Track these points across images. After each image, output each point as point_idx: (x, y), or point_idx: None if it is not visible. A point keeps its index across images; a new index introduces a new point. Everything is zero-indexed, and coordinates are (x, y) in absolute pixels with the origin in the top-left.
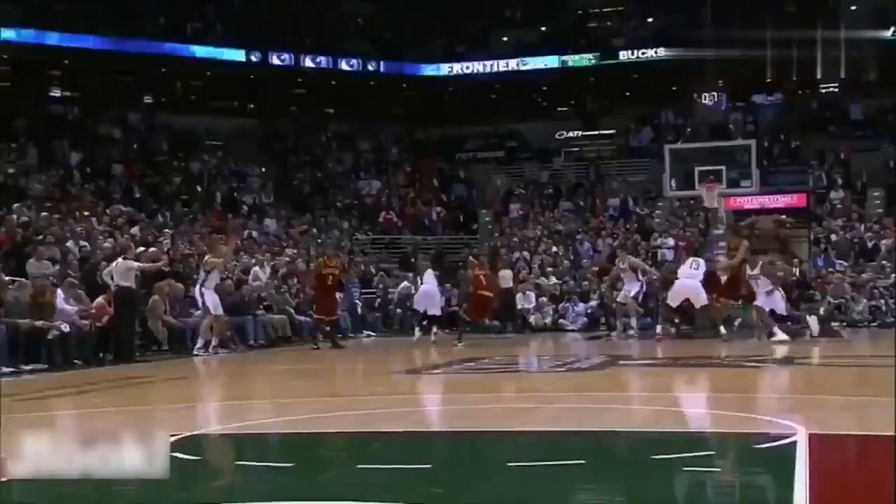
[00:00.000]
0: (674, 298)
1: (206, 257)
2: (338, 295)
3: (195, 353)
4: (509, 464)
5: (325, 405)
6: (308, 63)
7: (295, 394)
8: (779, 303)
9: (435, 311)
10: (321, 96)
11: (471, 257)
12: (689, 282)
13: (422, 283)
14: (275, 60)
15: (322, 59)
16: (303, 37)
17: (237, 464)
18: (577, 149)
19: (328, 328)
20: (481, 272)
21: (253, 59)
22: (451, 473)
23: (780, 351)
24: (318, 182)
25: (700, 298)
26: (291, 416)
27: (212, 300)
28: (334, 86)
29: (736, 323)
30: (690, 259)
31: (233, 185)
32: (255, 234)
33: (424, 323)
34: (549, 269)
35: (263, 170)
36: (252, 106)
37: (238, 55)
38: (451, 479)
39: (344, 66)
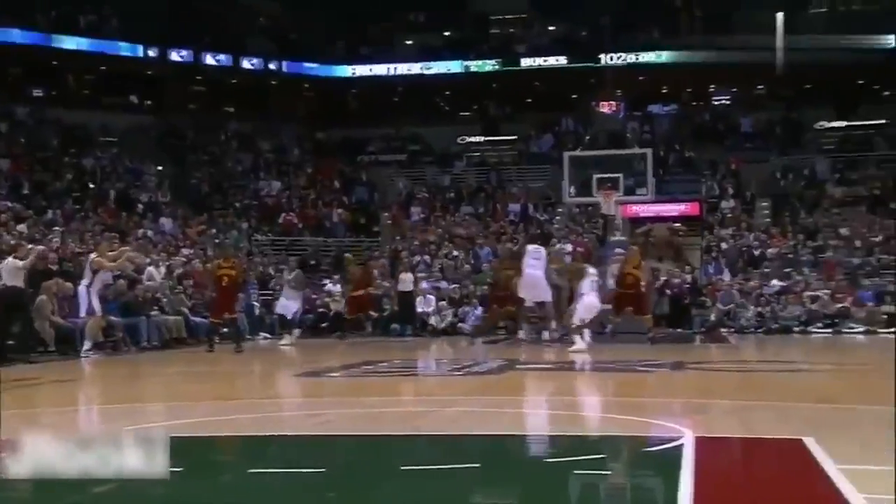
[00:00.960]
0: (524, 291)
1: (92, 256)
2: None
3: (83, 354)
4: (404, 467)
5: (218, 408)
6: (208, 60)
7: (188, 397)
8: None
9: (293, 314)
10: (221, 94)
11: (346, 255)
12: (534, 273)
13: (282, 291)
14: (173, 56)
15: (223, 57)
16: (203, 33)
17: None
18: (478, 154)
19: (225, 330)
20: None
21: (150, 54)
22: (346, 477)
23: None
24: (217, 181)
25: (543, 294)
26: (183, 419)
27: (96, 301)
28: (235, 84)
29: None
30: (532, 247)
31: (128, 182)
32: (150, 233)
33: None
34: (450, 272)
35: (160, 168)
36: (149, 102)
37: (135, 50)
38: (345, 483)
39: (245, 64)
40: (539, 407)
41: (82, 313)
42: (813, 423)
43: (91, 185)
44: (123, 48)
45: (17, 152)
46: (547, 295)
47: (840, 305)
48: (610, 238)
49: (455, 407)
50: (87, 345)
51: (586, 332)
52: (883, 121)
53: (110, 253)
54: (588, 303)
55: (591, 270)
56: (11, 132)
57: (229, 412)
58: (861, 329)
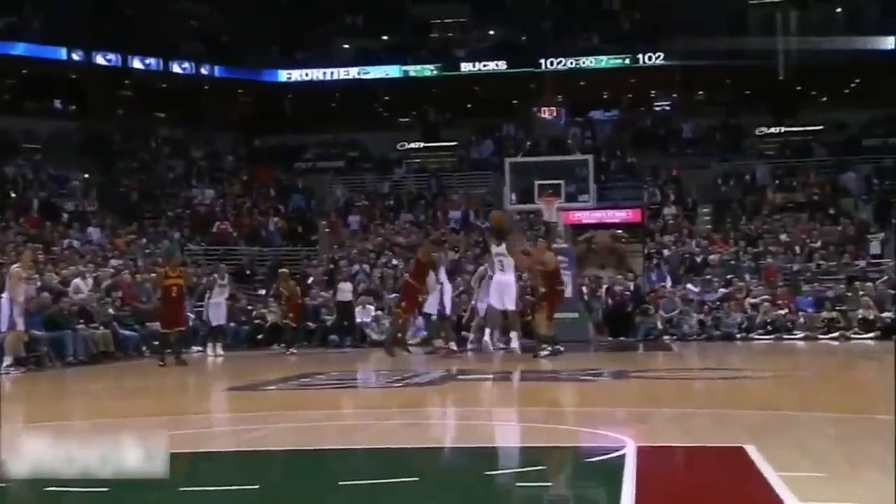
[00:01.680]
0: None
1: (14, 267)
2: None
3: (3, 371)
4: (342, 483)
5: (147, 425)
6: (137, 64)
7: (115, 413)
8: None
9: (219, 322)
10: (151, 99)
11: (282, 270)
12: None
13: (209, 297)
14: (99, 60)
15: (152, 61)
16: (131, 36)
17: (45, 490)
18: (418, 160)
19: (156, 343)
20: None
21: (75, 57)
22: (282, 494)
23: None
24: (147, 189)
25: (508, 301)
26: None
27: (18, 314)
28: (165, 89)
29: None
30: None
31: (52, 191)
32: (76, 243)
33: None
34: (390, 282)
35: (86, 175)
36: (74, 108)
37: (58, 53)
38: (280, 500)
39: (176, 68)
40: (479, 418)
41: (3, 327)
42: (754, 431)
43: (13, 194)
44: (46, 51)
45: None
46: (512, 302)
47: (781, 312)
48: (552, 245)
49: (394, 419)
50: (6, 360)
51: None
52: (821, 126)
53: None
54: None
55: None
56: None
57: (154, 427)
58: (801, 335)
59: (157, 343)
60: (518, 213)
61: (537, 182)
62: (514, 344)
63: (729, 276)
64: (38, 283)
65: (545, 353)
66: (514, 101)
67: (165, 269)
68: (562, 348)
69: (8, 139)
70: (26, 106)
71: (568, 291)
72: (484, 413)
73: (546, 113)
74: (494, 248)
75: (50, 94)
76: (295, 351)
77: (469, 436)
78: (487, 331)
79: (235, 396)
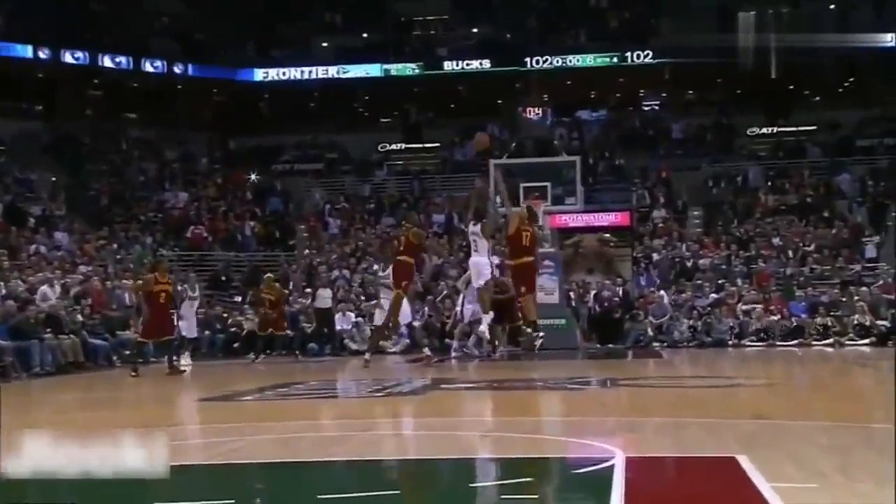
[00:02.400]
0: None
1: None
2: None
3: None
4: (321, 496)
5: (117, 437)
6: (107, 62)
7: (83, 425)
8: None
9: (190, 334)
10: (122, 99)
11: (268, 275)
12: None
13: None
14: (68, 58)
15: (122, 59)
16: (101, 33)
17: None
18: (399, 162)
19: (163, 349)
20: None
21: (42, 55)
22: None
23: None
24: (118, 193)
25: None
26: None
27: None
28: (136, 88)
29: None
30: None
31: (17, 194)
32: (43, 249)
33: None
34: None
35: (54, 178)
36: (41, 108)
37: (24, 51)
38: None
39: (148, 67)
40: (464, 428)
41: None
42: (746, 440)
43: None
44: (11, 49)
45: None
46: (484, 280)
47: (773, 318)
48: (538, 250)
49: (375, 430)
50: None
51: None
52: (814, 126)
53: None
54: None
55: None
56: None
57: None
58: (794, 342)
59: (129, 353)
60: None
61: (523, 184)
62: (483, 327)
63: (720, 281)
64: (3, 291)
65: (540, 338)
66: (499, 101)
67: (154, 274)
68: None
69: None
70: None
71: (555, 297)
72: (468, 423)
73: (532, 113)
74: (470, 227)
75: (15, 93)
76: (259, 360)
77: (452, 447)
78: (473, 336)
79: (209, 407)
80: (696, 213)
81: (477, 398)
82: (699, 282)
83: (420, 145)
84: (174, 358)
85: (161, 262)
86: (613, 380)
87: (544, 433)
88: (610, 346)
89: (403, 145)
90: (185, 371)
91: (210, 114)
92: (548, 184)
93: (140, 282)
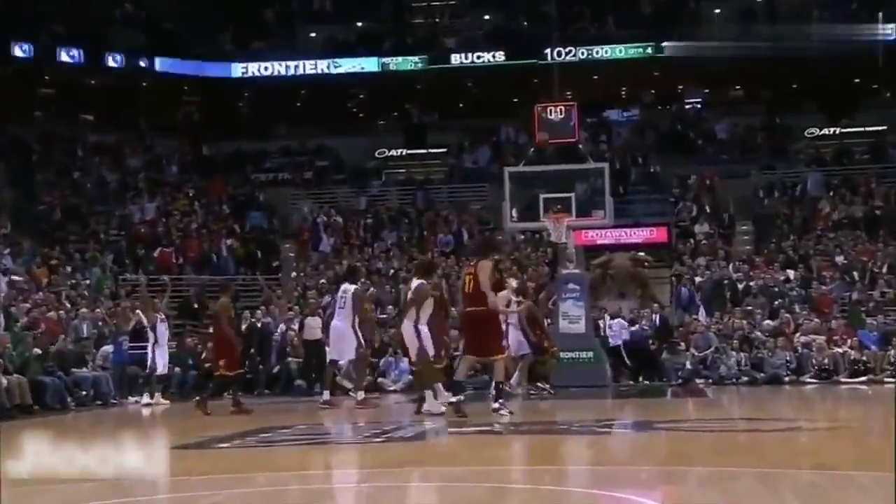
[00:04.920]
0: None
1: None
2: None
3: None
4: None
5: (74, 492)
6: (60, 56)
7: (39, 478)
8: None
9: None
10: (77, 99)
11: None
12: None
13: (156, 341)
14: (14, 52)
15: (77, 52)
16: (51, 22)
17: None
18: (401, 170)
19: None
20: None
21: None
22: None
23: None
24: (73, 207)
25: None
26: None
27: None
28: (94, 86)
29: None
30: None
31: None
32: None
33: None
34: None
35: (1, 193)
36: None
37: None
38: None
39: (108, 61)
40: (475, 480)
41: None
42: (806, 493)
43: None
44: None
45: None
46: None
47: (838, 350)
48: (561, 271)
49: (373, 482)
50: None
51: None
52: (883, 127)
53: None
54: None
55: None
56: None
57: (86, 496)
58: (863, 379)
59: (209, 390)
60: (521, 233)
61: (543, 195)
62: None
63: (774, 306)
64: None
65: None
66: (515, 100)
67: (225, 299)
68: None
69: None
70: None
71: (581, 326)
72: (480, 473)
73: (552, 113)
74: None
75: None
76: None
77: (463, 501)
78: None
79: (182, 456)
80: (744, 227)
81: (490, 444)
82: (749, 308)
83: (424, 151)
84: (238, 393)
85: (230, 286)
86: (649, 422)
87: (568, 484)
88: (645, 382)
89: (405, 151)
90: (251, 410)
91: (180, 115)
92: (572, 195)
93: (220, 308)
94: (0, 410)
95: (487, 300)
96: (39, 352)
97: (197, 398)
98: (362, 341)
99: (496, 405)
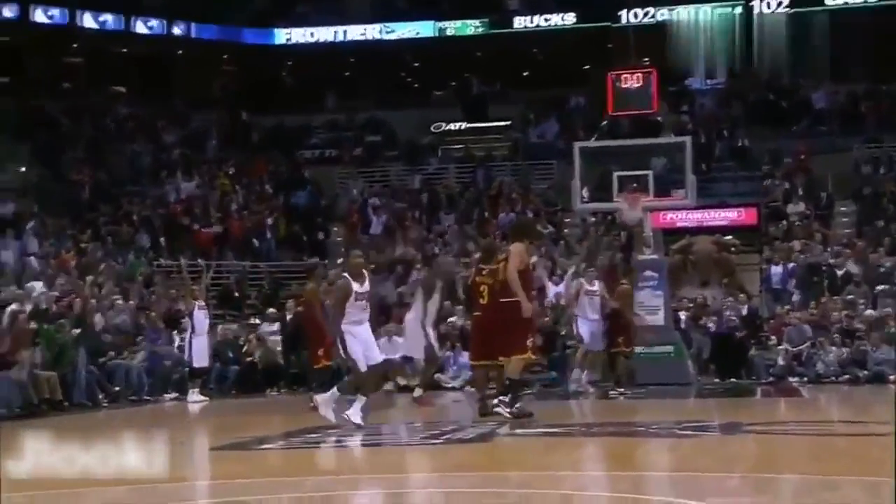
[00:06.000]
0: None
1: None
2: None
3: None
4: None
5: (105, 497)
6: (88, 23)
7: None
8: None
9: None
10: (108, 69)
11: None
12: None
13: (193, 330)
14: (39, 17)
15: (109, 18)
16: None
17: None
18: (459, 146)
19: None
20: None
21: (7, 14)
22: None
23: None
24: (104, 186)
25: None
26: None
27: None
28: (127, 55)
29: None
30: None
31: None
32: (9, 257)
33: None
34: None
35: (22, 168)
36: (7, 79)
37: None
38: None
39: (140, 27)
40: (542, 485)
41: None
42: None
43: None
44: None
45: None
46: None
47: None
48: (637, 256)
49: (431, 487)
50: None
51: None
52: None
53: None
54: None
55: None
56: None
57: (119, 500)
58: None
59: (317, 382)
60: (591, 215)
61: (617, 173)
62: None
63: (877, 293)
64: None
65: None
66: (586, 67)
67: (313, 284)
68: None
69: None
70: None
71: (660, 317)
72: (548, 479)
73: (628, 82)
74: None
75: None
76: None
77: None
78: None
79: (221, 458)
80: (844, 207)
81: (558, 446)
82: (850, 297)
83: (484, 124)
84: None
85: (318, 268)
86: (737, 424)
87: (647, 492)
88: (732, 380)
89: (464, 125)
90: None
91: (218, 86)
92: (649, 172)
93: (310, 294)
94: (27, 406)
95: (511, 287)
96: (68, 343)
97: (311, 405)
98: (433, 341)
99: (495, 401)
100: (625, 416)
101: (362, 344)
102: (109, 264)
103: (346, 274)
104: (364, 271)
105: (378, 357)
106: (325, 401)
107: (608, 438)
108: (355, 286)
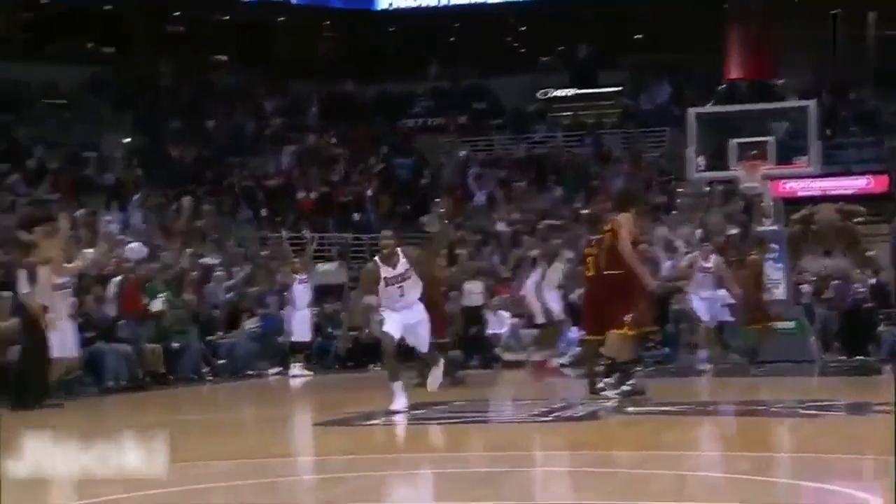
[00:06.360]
0: None
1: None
2: None
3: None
4: None
5: (210, 472)
6: None
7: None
8: None
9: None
10: (209, 38)
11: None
12: None
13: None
14: None
15: None
16: None
17: None
18: (567, 113)
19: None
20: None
21: None
22: None
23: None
24: (205, 156)
25: None
26: (159, 488)
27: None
28: (227, 23)
29: None
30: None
31: (79, 158)
32: (114, 226)
33: None
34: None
35: (127, 139)
36: (110, 50)
37: None
38: None
39: None
40: (659, 465)
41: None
42: None
43: (28, 163)
44: None
45: None
46: None
47: None
48: (757, 228)
49: (540, 467)
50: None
51: None
52: None
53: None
54: None
55: None
56: None
57: (223, 477)
58: None
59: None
60: (707, 184)
61: (735, 140)
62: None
63: None
64: (70, 281)
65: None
66: (701, 28)
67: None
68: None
69: (25, 92)
70: (48, 50)
71: (780, 291)
72: (662, 459)
73: (746, 42)
74: None
75: (78, 33)
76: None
77: (646, 492)
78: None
79: (325, 433)
80: None
81: (673, 426)
82: None
83: (593, 90)
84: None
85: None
86: (864, 404)
87: (768, 474)
88: (859, 357)
89: (571, 91)
90: (464, 381)
91: (320, 54)
92: (769, 138)
93: (428, 264)
94: (133, 379)
95: (626, 260)
96: (181, 317)
97: (450, 378)
98: (552, 305)
99: (600, 385)
100: (744, 394)
101: (404, 330)
102: (212, 236)
103: (376, 258)
104: (398, 252)
105: (417, 344)
106: (435, 378)
107: (726, 418)
108: (384, 270)
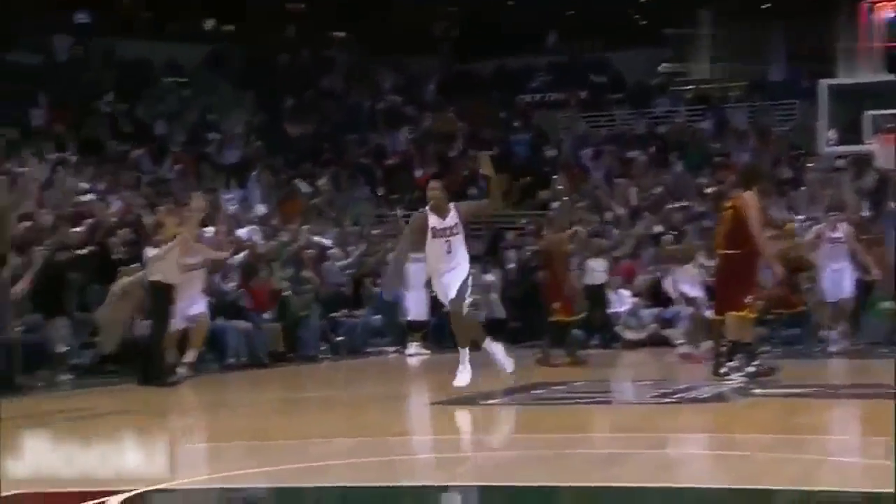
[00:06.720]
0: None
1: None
2: None
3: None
4: None
5: (331, 449)
6: None
7: (289, 433)
8: None
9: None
10: (327, 15)
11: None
12: None
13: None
14: None
15: None
16: None
17: None
18: (689, 87)
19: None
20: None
21: None
22: None
23: None
24: (323, 133)
25: None
26: (280, 464)
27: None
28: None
29: None
30: None
31: (201, 136)
32: (231, 207)
33: None
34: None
35: (251, 119)
36: (230, 28)
37: None
38: None
39: None
40: (784, 450)
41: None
42: None
43: (154, 139)
44: None
45: (56, 98)
46: None
47: None
48: (892, 204)
49: (665, 448)
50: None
51: None
52: None
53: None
54: None
55: None
56: (49, 72)
57: (343, 454)
58: None
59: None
60: (838, 158)
61: (870, 112)
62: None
63: None
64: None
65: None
66: None
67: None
68: None
69: (147, 71)
70: (169, 28)
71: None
72: (792, 443)
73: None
74: None
75: (199, 11)
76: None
77: (771, 474)
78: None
79: (443, 412)
80: None
81: (802, 408)
82: None
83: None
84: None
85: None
86: None
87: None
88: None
89: (692, 64)
90: (585, 361)
91: (437, 30)
92: None
93: (550, 242)
94: (252, 356)
95: (754, 240)
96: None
97: (539, 355)
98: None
99: (724, 369)
100: (877, 376)
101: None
102: (329, 214)
103: (426, 207)
104: (450, 206)
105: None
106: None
107: (858, 401)
108: (433, 220)
